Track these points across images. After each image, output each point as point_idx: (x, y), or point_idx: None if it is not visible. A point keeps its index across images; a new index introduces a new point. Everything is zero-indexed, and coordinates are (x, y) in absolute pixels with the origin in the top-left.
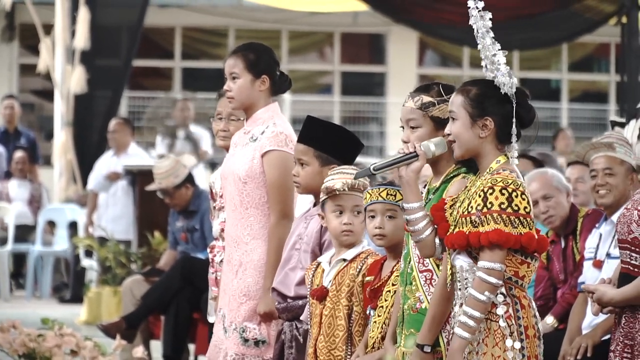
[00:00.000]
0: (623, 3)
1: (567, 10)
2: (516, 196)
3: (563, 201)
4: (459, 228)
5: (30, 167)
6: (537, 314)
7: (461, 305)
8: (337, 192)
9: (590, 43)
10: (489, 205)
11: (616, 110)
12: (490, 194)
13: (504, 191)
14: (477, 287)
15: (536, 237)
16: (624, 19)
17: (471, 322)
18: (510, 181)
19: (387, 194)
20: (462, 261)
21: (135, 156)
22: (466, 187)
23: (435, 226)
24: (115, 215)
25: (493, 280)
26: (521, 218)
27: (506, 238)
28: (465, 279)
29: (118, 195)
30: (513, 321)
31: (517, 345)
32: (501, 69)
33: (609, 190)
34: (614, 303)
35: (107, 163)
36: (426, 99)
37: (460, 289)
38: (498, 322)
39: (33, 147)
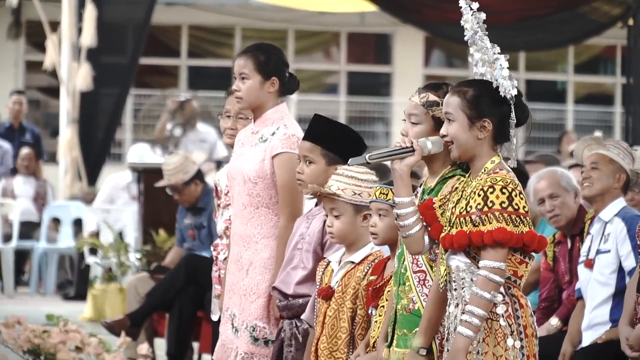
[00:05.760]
0: (629, 5)
1: (574, 12)
2: (515, 195)
3: (569, 202)
4: (457, 228)
5: (35, 163)
6: (533, 313)
7: (457, 305)
8: (310, 198)
9: (597, 45)
10: (489, 204)
11: (622, 113)
12: (491, 192)
13: (504, 190)
14: (483, 286)
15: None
16: (630, 21)
17: (476, 321)
18: (509, 180)
19: (380, 193)
20: (458, 261)
21: None
22: (457, 188)
23: (425, 223)
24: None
25: (498, 279)
26: (522, 217)
27: (509, 236)
28: (462, 279)
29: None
30: (513, 320)
31: (518, 344)
32: (503, 72)
33: (591, 184)
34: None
35: None
36: (432, 97)
37: (455, 289)
38: (499, 321)
39: (38, 142)
